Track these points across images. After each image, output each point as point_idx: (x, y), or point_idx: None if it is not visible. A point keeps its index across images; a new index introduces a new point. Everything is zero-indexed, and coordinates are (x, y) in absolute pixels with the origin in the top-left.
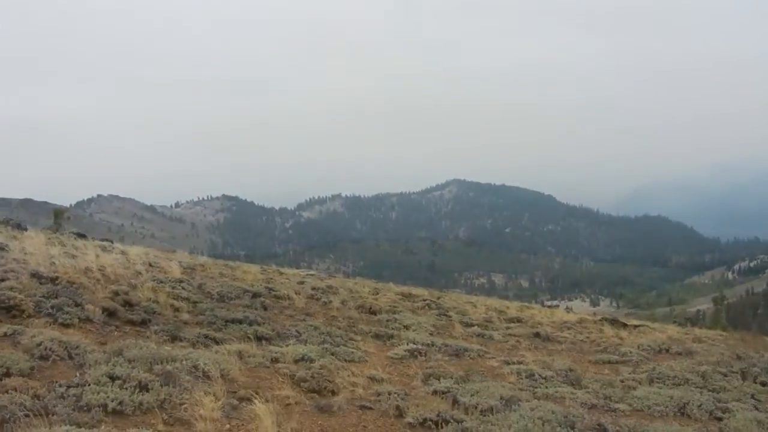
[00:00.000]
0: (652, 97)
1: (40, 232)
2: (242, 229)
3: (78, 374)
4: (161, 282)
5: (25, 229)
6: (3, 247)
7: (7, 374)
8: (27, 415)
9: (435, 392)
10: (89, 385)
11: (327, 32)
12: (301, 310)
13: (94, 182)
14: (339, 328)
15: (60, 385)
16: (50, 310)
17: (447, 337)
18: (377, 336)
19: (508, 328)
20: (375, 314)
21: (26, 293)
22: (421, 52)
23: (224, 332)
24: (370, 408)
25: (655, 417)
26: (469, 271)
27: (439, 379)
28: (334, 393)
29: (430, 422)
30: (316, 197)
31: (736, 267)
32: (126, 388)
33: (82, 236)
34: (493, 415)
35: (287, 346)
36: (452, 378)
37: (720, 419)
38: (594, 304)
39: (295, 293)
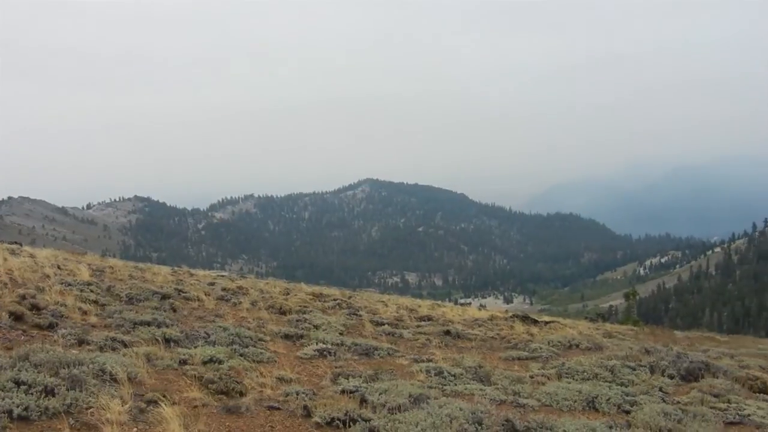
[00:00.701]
0: (566, 96)
1: None
2: (154, 230)
3: None
4: (69, 285)
5: None
6: None
7: None
8: None
9: (343, 391)
10: None
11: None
12: (210, 311)
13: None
14: (248, 329)
15: None
16: None
17: (357, 337)
18: (287, 336)
19: (418, 326)
20: (285, 314)
21: None
22: (335, 46)
23: (132, 335)
24: (278, 408)
25: (563, 411)
26: (382, 270)
27: (347, 379)
28: (242, 394)
29: (337, 421)
30: (229, 197)
31: (648, 263)
32: (32, 394)
33: None
34: (401, 413)
35: (196, 347)
36: (361, 377)
37: (628, 412)
38: (507, 301)
39: (205, 294)
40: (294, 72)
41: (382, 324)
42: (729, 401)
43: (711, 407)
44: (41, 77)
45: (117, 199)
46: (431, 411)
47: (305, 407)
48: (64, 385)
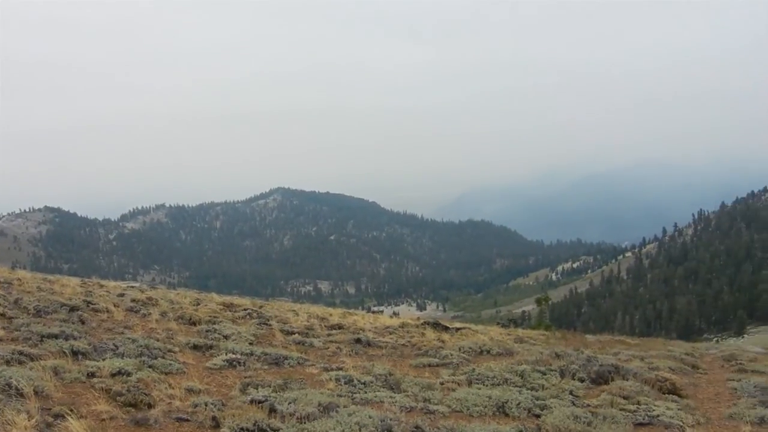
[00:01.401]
0: (480, 105)
1: None
2: (65, 241)
3: None
4: None
5: None
6: None
7: None
8: None
9: (252, 401)
10: None
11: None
12: (119, 323)
13: None
14: (158, 341)
15: None
16: None
17: (267, 346)
18: (196, 347)
19: (329, 335)
20: (195, 325)
21: None
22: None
23: (40, 348)
24: (187, 420)
25: (473, 417)
26: (295, 279)
27: (257, 388)
28: (150, 406)
29: None
30: (140, 207)
31: (560, 268)
32: None
33: None
34: (310, 422)
35: (104, 360)
36: (270, 386)
37: (538, 416)
38: (421, 308)
39: (114, 306)
40: (208, 83)
41: (293, 333)
42: (638, 403)
43: (621, 409)
44: None
45: (27, 210)
46: (341, 419)
47: (214, 418)
48: None
